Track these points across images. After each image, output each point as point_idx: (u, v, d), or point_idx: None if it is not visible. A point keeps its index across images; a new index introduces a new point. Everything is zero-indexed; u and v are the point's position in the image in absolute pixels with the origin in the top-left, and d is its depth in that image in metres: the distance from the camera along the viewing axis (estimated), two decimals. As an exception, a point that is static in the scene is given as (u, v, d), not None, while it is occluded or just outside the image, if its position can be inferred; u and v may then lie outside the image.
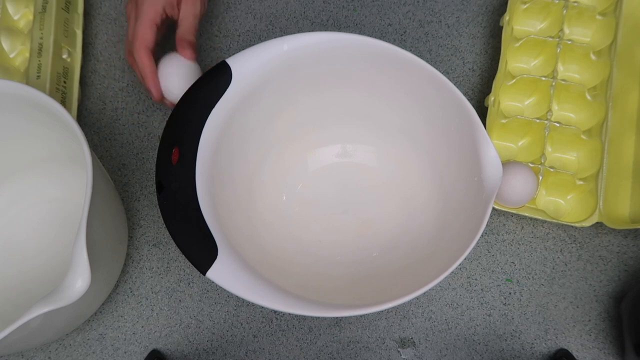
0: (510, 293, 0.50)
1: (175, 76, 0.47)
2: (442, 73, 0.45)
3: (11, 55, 0.54)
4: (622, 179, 0.51)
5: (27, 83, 0.50)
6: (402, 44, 0.56)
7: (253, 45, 0.42)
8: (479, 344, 0.49)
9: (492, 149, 0.40)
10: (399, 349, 0.49)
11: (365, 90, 0.47)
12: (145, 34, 0.48)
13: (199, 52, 0.54)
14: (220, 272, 0.37)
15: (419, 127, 0.47)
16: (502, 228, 0.52)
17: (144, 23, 0.48)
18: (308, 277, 0.47)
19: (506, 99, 0.54)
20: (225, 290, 0.38)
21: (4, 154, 0.50)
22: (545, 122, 0.51)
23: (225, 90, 0.42)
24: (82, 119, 0.55)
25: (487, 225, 0.50)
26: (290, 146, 0.50)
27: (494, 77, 0.52)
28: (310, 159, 0.51)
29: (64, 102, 0.52)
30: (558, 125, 0.51)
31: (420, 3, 0.58)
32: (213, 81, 0.42)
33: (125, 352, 0.49)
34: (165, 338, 0.50)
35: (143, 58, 0.48)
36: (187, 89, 0.42)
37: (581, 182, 0.50)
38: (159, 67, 0.48)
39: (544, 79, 0.52)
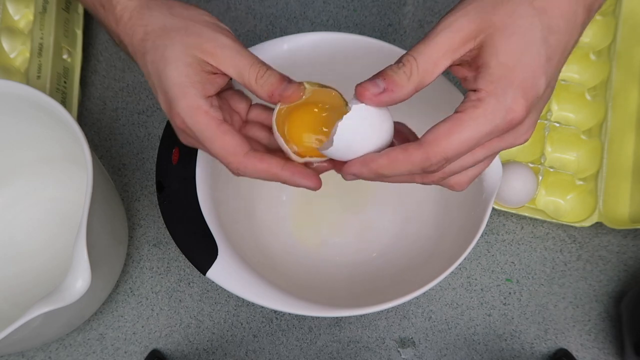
0: (510, 293, 0.50)
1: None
2: (442, 72, 0.45)
3: (11, 56, 0.54)
4: (621, 179, 0.51)
5: (28, 83, 0.50)
6: (402, 44, 0.56)
7: (253, 45, 0.42)
8: (479, 343, 0.49)
9: (492, 149, 0.40)
10: (399, 349, 0.49)
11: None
12: (225, 144, 0.32)
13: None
14: (220, 272, 0.37)
15: (419, 127, 0.47)
16: (502, 228, 0.52)
17: (213, 136, 0.32)
18: (308, 277, 0.47)
19: (506, 99, 0.54)
20: (225, 290, 0.38)
21: (4, 153, 0.50)
22: (545, 122, 0.51)
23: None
24: (82, 119, 0.55)
25: (487, 225, 0.50)
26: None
27: (493, 77, 0.52)
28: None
29: (64, 102, 0.52)
30: (558, 125, 0.51)
31: (420, 3, 0.58)
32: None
33: (125, 352, 0.49)
34: (166, 338, 0.50)
35: (257, 165, 0.33)
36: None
37: (581, 182, 0.50)
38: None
39: (543, 79, 0.52)
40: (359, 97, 0.30)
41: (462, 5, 0.29)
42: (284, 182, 0.33)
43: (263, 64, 0.33)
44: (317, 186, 0.33)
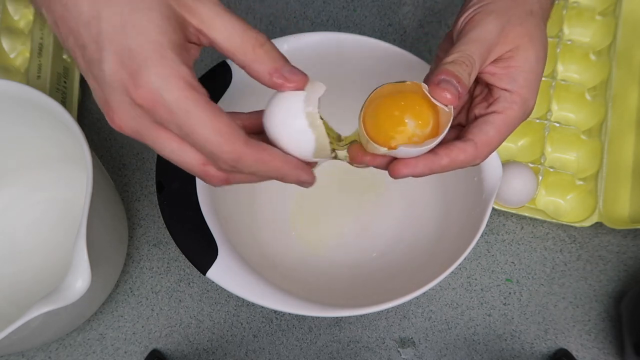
0: (510, 293, 0.50)
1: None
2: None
3: (11, 56, 0.54)
4: (621, 179, 0.51)
5: (28, 83, 0.50)
6: (402, 44, 0.56)
7: (253, 45, 0.41)
8: (479, 343, 0.49)
9: (492, 149, 0.40)
10: (399, 349, 0.49)
11: (365, 90, 0.47)
12: (221, 127, 0.25)
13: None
14: (220, 272, 0.37)
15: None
16: (502, 228, 0.52)
17: (204, 117, 0.24)
18: (308, 277, 0.47)
19: (506, 99, 0.54)
20: (225, 290, 0.38)
21: (4, 153, 0.50)
22: (545, 122, 0.51)
23: (225, 90, 0.42)
24: (82, 119, 0.55)
25: (487, 225, 0.50)
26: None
27: (493, 77, 0.52)
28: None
29: (64, 102, 0.52)
30: (558, 125, 0.51)
31: (420, 3, 0.58)
32: (213, 82, 0.42)
33: (125, 352, 0.49)
34: (166, 338, 0.50)
35: (260, 156, 0.26)
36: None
37: (581, 182, 0.50)
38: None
39: (543, 79, 0.52)
40: (444, 100, 0.29)
41: (498, 13, 0.31)
42: (282, 177, 0.28)
43: (259, 31, 0.27)
44: (313, 181, 0.30)
